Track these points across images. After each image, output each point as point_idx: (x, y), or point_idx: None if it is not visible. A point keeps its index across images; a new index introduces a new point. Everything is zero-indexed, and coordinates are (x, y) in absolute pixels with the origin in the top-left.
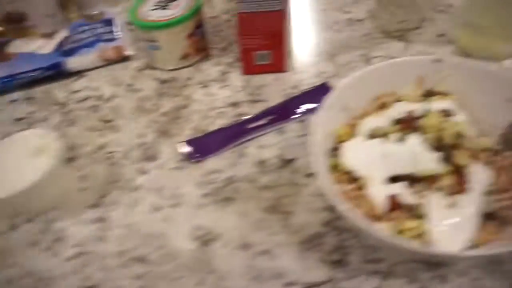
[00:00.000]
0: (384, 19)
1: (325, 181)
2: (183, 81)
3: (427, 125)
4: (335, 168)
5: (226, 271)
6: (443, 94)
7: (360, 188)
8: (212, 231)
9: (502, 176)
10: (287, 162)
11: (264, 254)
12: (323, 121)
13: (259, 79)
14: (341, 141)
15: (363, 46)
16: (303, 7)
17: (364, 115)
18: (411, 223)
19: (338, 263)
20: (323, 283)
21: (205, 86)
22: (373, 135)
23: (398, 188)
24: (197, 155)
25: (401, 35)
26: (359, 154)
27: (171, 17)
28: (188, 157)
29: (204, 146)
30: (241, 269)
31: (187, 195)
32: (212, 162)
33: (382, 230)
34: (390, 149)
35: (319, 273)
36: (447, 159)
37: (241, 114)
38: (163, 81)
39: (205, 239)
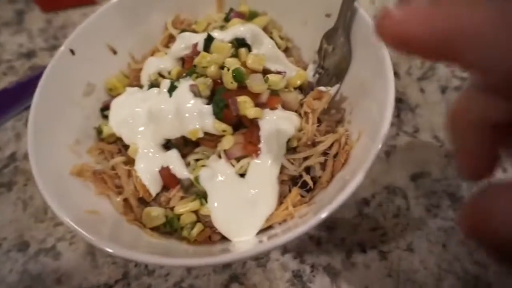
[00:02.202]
0: None
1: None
2: None
3: (202, 64)
4: (101, 134)
5: None
6: (250, 15)
7: (130, 160)
8: None
9: (311, 124)
10: None
11: (46, 253)
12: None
13: (64, 17)
14: (117, 95)
15: None
16: None
17: (150, 53)
18: (187, 205)
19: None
20: (116, 282)
21: None
22: (153, 83)
23: (172, 158)
24: None
25: None
26: (125, 114)
27: None
28: None
29: None
30: (14, 276)
31: None
32: None
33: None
34: (157, 103)
35: (109, 273)
36: (225, 111)
37: (36, 67)
38: None
39: None
